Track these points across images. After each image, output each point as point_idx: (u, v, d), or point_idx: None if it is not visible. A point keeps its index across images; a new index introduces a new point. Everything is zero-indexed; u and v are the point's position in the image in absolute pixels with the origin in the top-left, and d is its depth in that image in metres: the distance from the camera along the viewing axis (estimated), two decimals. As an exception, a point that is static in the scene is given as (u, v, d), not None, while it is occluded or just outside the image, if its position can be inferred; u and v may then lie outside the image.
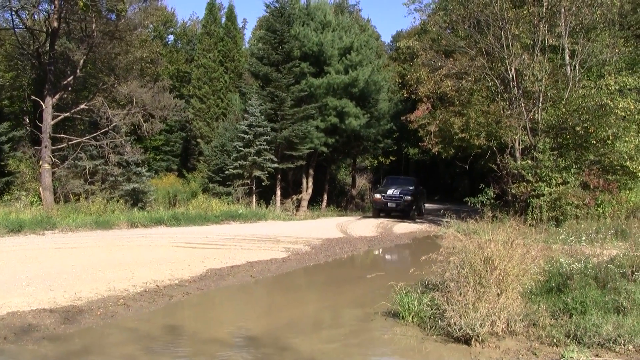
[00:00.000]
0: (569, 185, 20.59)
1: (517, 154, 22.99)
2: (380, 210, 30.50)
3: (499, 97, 24.46)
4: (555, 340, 6.95)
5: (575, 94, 21.91)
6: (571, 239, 13.46)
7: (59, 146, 23.65)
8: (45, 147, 22.37)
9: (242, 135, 28.21)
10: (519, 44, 23.71)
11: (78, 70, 24.10)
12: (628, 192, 21.66)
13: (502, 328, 7.20)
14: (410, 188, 30.98)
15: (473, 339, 6.98)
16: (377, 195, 30.56)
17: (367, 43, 34.80)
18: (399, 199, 29.56)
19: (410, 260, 17.35)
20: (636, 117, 21.14)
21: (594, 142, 21.05)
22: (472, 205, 22.44)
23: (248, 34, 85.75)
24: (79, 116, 25.29)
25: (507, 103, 23.86)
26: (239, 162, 28.38)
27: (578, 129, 20.99)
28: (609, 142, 20.78)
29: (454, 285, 7.75)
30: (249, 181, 28.99)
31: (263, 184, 29.21)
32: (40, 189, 22.37)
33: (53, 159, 22.88)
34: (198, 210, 24.05)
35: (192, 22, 57.76)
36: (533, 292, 8.65)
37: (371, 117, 33.23)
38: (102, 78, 27.01)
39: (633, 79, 22.13)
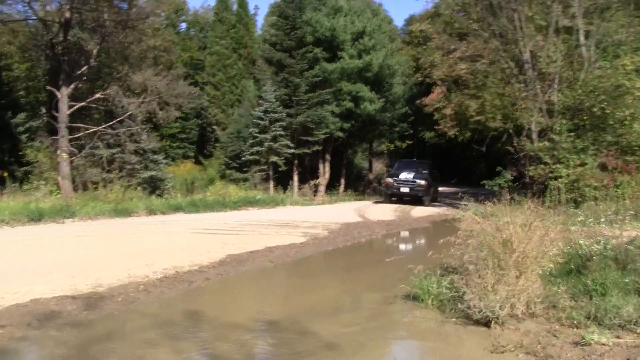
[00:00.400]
0: (587, 166, 20.47)
1: (534, 136, 22.87)
2: (392, 195, 28.60)
3: (514, 79, 24.29)
4: (575, 322, 6.93)
5: (591, 74, 21.74)
6: (590, 220, 13.40)
7: (75, 135, 23.77)
8: (62, 136, 22.49)
9: (258, 121, 28.28)
10: (532, 25, 23.52)
11: (92, 60, 24.17)
12: (647, 173, 21.49)
13: (522, 310, 7.20)
14: (424, 172, 29.12)
15: (493, 322, 6.98)
16: (389, 180, 28.75)
17: (379, 27, 34.71)
18: (412, 184, 27.72)
19: (429, 243, 17.35)
20: (653, 97, 20.97)
21: (611, 123, 20.90)
22: (489, 188, 22.38)
23: (260, 20, 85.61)
24: (94, 105, 25.38)
25: (523, 85, 23.69)
26: (255, 148, 28.47)
27: (595, 110, 20.83)
28: (627, 122, 20.62)
29: (472, 268, 7.74)
30: (265, 167, 29.09)
31: (280, 169, 29.30)
32: (59, 178, 22.51)
33: (70, 148, 23.01)
34: (216, 196, 24.13)
35: (204, 10, 58.02)
36: (552, 274, 8.63)
37: (386, 101, 33.18)
38: (116, 67, 27.09)
39: (649, 58, 21.94)
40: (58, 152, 22.74)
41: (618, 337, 6.47)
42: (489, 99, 25.80)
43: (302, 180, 31.75)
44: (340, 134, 31.69)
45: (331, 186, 33.99)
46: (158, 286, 9.03)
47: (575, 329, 6.81)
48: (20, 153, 24.98)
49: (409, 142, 48.84)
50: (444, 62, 30.63)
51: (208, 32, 47.74)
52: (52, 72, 26.10)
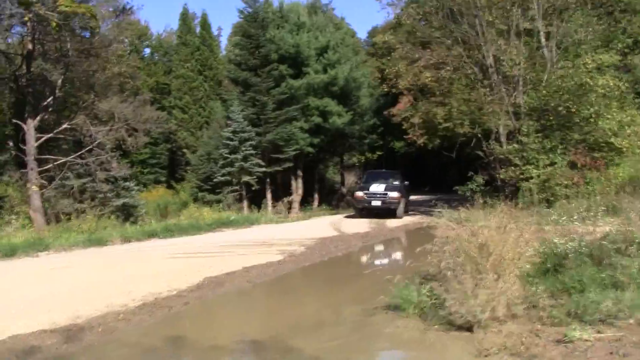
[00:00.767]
0: (556, 166, 20.71)
1: (503, 139, 23.11)
2: (363, 210, 26.74)
3: (479, 84, 24.55)
4: (556, 321, 6.97)
5: (554, 75, 22.05)
6: (563, 219, 13.52)
7: (45, 167, 23.50)
8: (32, 169, 22.25)
9: (227, 142, 28.25)
10: (494, 30, 23.82)
11: (57, 91, 23.96)
12: (615, 168, 21.76)
13: (503, 312, 7.23)
14: (396, 183, 27.67)
15: (475, 326, 7.00)
16: (359, 193, 27.01)
17: (343, 41, 34.95)
18: (384, 196, 26.07)
19: (406, 252, 17.43)
20: (616, 93, 21.31)
21: (577, 121, 21.19)
22: (462, 193, 22.47)
23: (224, 41, 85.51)
24: (62, 136, 25.13)
25: (488, 89, 23.95)
26: (226, 169, 28.42)
27: (560, 109, 21.12)
28: (592, 120, 20.92)
29: (451, 274, 7.75)
30: (238, 187, 29.03)
31: (253, 188, 29.25)
32: (30, 211, 22.23)
33: (40, 181, 22.75)
34: (190, 220, 23.98)
35: (167, 34, 57.78)
36: (530, 275, 8.67)
37: (354, 114, 33.29)
38: (81, 96, 26.86)
39: (609, 55, 22.40)
40: (28, 185, 22.48)
41: (599, 332, 6.53)
42: (455, 105, 26.03)
43: (276, 198, 31.70)
44: (310, 149, 31.73)
45: (305, 202, 33.97)
46: (137, 314, 8.94)
47: (557, 327, 6.84)
48: (-12, 189, 24.67)
49: (380, 153, 49.00)
50: (409, 71, 30.81)
51: (172, 56, 47.59)
52: (17, 105, 25.83)
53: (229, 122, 29.52)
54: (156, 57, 52.35)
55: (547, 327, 6.92)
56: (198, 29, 46.46)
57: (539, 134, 21.55)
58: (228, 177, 28.66)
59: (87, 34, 25.46)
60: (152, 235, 20.09)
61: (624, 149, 21.20)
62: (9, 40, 25.31)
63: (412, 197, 33.13)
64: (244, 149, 28.25)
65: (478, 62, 24.44)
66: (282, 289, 11.82)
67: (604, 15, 26.42)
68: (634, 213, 11.04)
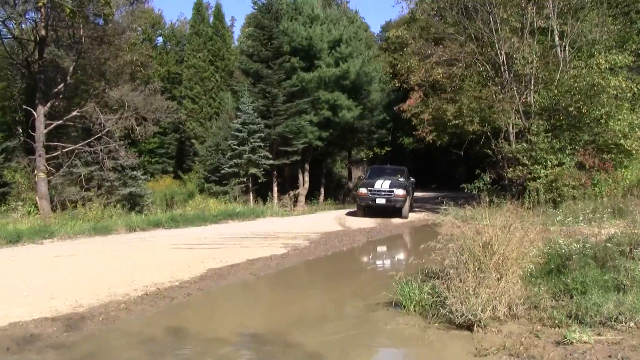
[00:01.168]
0: (564, 166, 20.64)
1: (512, 138, 23.04)
2: (367, 207, 24.86)
3: (491, 81, 24.48)
4: (557, 322, 6.97)
5: (567, 74, 21.96)
6: (569, 219, 13.49)
7: (53, 154, 23.57)
8: (40, 156, 22.32)
9: (236, 133, 28.25)
10: (507, 27, 23.73)
11: (68, 77, 24.02)
12: (624, 170, 21.71)
13: (504, 312, 7.22)
14: (401, 180, 25.76)
15: (475, 325, 6.99)
16: (363, 190, 24.77)
17: (356, 35, 34.89)
18: (389, 194, 23.98)
19: (410, 249, 17.39)
20: (628, 94, 21.21)
21: (588, 122, 21.12)
22: (469, 191, 22.41)
23: (237, 32, 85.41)
24: (71, 123, 25.21)
25: (499, 87, 23.89)
26: (234, 160, 28.42)
27: (571, 109, 21.04)
28: (603, 121, 20.84)
29: (453, 272, 7.75)
30: (245, 179, 29.03)
31: (259, 181, 29.25)
32: (37, 198, 22.32)
33: (48, 168, 22.82)
34: (196, 210, 24.02)
35: (180, 23, 57.83)
36: (533, 275, 8.66)
37: (364, 109, 33.25)
38: (92, 84, 26.92)
39: (623, 56, 22.20)
40: (35, 171, 22.56)
41: (599, 334, 6.52)
42: (466, 103, 25.93)
43: (282, 191, 31.73)
44: (319, 143, 31.72)
45: (311, 196, 33.99)
46: (139, 304, 8.95)
47: (557, 329, 6.84)
48: (-4, 174, 24.78)
49: (388, 149, 48.94)
50: (421, 67, 30.71)
51: (185, 46, 47.62)
52: (28, 91, 25.95)
53: (238, 113, 29.52)
54: (168, 46, 52.41)
55: (547, 328, 6.92)
56: (211, 19, 46.51)
57: (549, 134, 21.48)
58: (235, 169, 28.68)
59: (101, 21, 25.56)
60: (157, 225, 20.12)
61: (634, 151, 21.10)
62: (23, 26, 25.40)
63: (419, 194, 33.01)
64: (252, 140, 28.25)
65: (490, 60, 24.36)
66: (285, 282, 11.82)
67: (620, 15, 26.24)
68: (640, 216, 11.01)
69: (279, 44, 30.24)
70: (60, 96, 24.56)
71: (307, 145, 31.07)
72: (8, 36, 24.93)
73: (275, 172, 30.78)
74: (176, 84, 45.84)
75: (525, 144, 21.91)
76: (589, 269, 8.28)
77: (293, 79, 30.31)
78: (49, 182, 22.84)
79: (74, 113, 24.45)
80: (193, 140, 40.04)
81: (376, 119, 35.81)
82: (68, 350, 6.82)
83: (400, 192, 24.00)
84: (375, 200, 24.11)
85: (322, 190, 35.17)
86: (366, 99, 33.95)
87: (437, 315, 7.53)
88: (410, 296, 8.17)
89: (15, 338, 7.08)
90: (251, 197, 29.15)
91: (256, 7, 31.72)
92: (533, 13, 23.36)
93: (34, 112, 22.77)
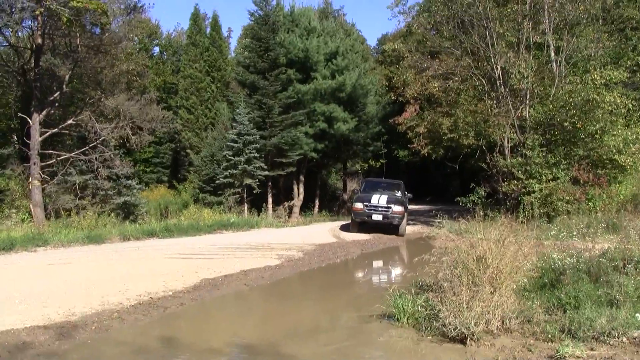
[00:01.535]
0: (559, 181, 20.68)
1: (507, 152, 23.08)
2: (362, 224, 23.44)
3: (486, 95, 24.54)
4: (550, 336, 6.99)
5: (562, 89, 22.03)
6: (563, 234, 13.56)
7: (47, 162, 23.53)
8: (34, 163, 22.26)
9: (232, 144, 28.22)
10: (503, 42, 23.82)
11: (64, 86, 24.00)
12: (618, 185, 21.76)
13: (497, 326, 7.24)
14: (398, 195, 24.09)
15: (468, 338, 7.00)
16: (358, 205, 22.95)
17: (352, 47, 34.95)
18: (386, 210, 22.36)
19: (404, 262, 17.41)
20: (623, 110, 21.30)
21: (583, 137, 21.18)
22: (463, 205, 22.43)
23: (234, 42, 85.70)
24: (67, 131, 25.19)
25: (495, 101, 23.95)
26: (229, 171, 28.39)
27: (566, 124, 21.11)
28: (597, 136, 20.91)
29: (447, 285, 7.78)
30: (240, 190, 28.99)
31: (254, 191, 29.21)
32: (31, 205, 22.24)
33: (42, 176, 22.76)
34: (190, 220, 23.98)
35: (177, 33, 57.88)
36: (526, 289, 8.69)
37: (359, 121, 33.25)
38: (88, 92, 26.88)
39: (618, 72, 22.30)
40: (30, 179, 22.49)
41: (592, 349, 6.54)
42: (461, 116, 26.00)
43: (277, 202, 31.70)
44: (314, 154, 31.73)
45: (305, 207, 33.96)
46: (132, 313, 8.94)
47: (550, 343, 6.87)
48: (-10, 181, 24.70)
49: (383, 161, 49.00)
50: (417, 80, 30.80)
51: (181, 56, 47.58)
52: (24, 99, 25.91)
53: (234, 124, 29.51)
54: (165, 56, 52.41)
55: (540, 343, 6.94)
56: (208, 30, 46.53)
57: (544, 149, 21.53)
58: (230, 180, 28.65)
59: (98, 31, 25.53)
60: (151, 234, 20.08)
61: (628, 167, 21.17)
62: (19, 34, 25.40)
63: (414, 207, 32.94)
64: (247, 151, 28.23)
65: (486, 74, 24.43)
66: (279, 293, 11.80)
67: (615, 31, 26.40)
68: (633, 231, 11.04)
69: (275, 55, 30.27)
70: (56, 104, 24.53)
71: (302, 156, 31.08)
72: (4, 44, 24.96)
73: (270, 183, 30.76)
74: (172, 94, 45.83)
75: (520, 158, 21.95)
76: (582, 284, 8.31)
77: (289, 91, 30.33)
78: (43, 190, 22.78)
79: (70, 121, 24.42)
80: (188, 150, 39.97)
81: (372, 131, 35.80)
82: (60, 359, 6.81)
83: (398, 208, 22.41)
84: (371, 216, 22.45)
85: (317, 201, 35.15)
86: (362, 112, 33.97)
87: (430, 328, 7.55)
88: (403, 309, 8.19)
89: (7, 346, 7.07)
90: (246, 207, 29.11)
91: (253, 19, 31.74)
92: (529, 28, 23.47)
93: (29, 120, 22.72)
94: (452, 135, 28.53)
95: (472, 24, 23.75)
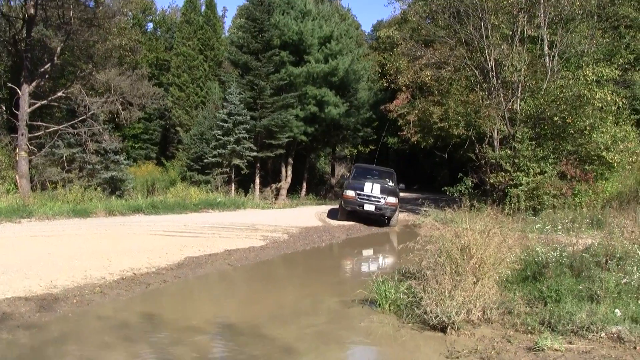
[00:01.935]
0: (546, 175, 20.73)
1: (496, 144, 23.12)
2: (351, 213, 21.61)
3: (478, 87, 24.53)
4: (529, 328, 7.03)
5: (554, 84, 22.03)
6: (548, 228, 13.62)
7: (36, 134, 23.42)
8: (22, 134, 22.13)
9: (222, 123, 28.16)
10: (498, 34, 23.79)
11: (55, 58, 23.84)
12: (604, 182, 21.83)
13: (478, 316, 7.28)
14: (391, 185, 22.43)
15: (449, 327, 7.04)
16: (350, 193, 21.16)
17: (347, 32, 34.85)
18: (379, 200, 20.69)
19: (389, 248, 17.45)
20: (613, 108, 21.33)
21: (572, 132, 21.22)
22: (450, 194, 22.43)
23: (228, 22, 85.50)
24: (56, 104, 25.05)
25: (486, 93, 23.94)
26: (218, 150, 28.36)
27: (556, 119, 21.14)
28: (586, 132, 20.94)
29: (430, 274, 7.81)
30: (227, 170, 28.97)
31: (242, 172, 29.20)
32: (17, 176, 22.14)
33: (30, 147, 22.65)
34: (176, 198, 23.89)
35: (171, 10, 57.56)
36: (509, 281, 8.73)
37: (350, 106, 33.27)
38: (80, 66, 26.71)
39: (610, 69, 22.32)
40: (17, 150, 22.37)
41: (570, 343, 6.57)
42: (452, 106, 26.02)
43: (264, 184, 31.70)
44: (303, 137, 31.71)
45: (293, 190, 34.00)
46: (114, 288, 8.93)
47: (529, 335, 6.90)
48: (-23, 152, 24.56)
49: (372, 148, 49.01)
50: (410, 68, 30.81)
51: (175, 33, 47.32)
52: (14, 69, 25.71)
53: (225, 104, 29.43)
54: (158, 33, 52.10)
55: (519, 334, 6.97)
56: (203, 8, 46.28)
57: (533, 142, 21.56)
58: (219, 159, 28.60)
59: (92, 3, 25.41)
60: (137, 210, 20.02)
61: (615, 164, 21.24)
62: (12, 3, 25.20)
63: (401, 195, 32.91)
64: (237, 132, 28.17)
65: (479, 65, 24.40)
66: (263, 274, 11.82)
67: (609, 29, 26.43)
68: (617, 228, 11.10)
69: (269, 37, 30.17)
70: (46, 76, 24.38)
71: (291, 139, 31.06)
72: (-4, 14, 24.74)
73: (258, 165, 30.72)
74: (164, 71, 45.64)
75: (508, 151, 21.99)
76: (564, 278, 8.35)
77: (281, 73, 30.27)
78: (30, 161, 22.69)
79: (59, 94, 24.29)
80: (178, 128, 39.89)
81: (362, 117, 35.78)
82: (40, 331, 6.81)
83: (392, 200, 21.01)
84: (363, 206, 20.80)
85: (304, 185, 35.19)
86: (353, 97, 33.97)
87: (411, 316, 7.59)
88: (386, 295, 8.23)
89: (-13, 316, 7.04)
90: (233, 187, 29.08)
91: (249, -1, 31.66)
92: (524, 21, 23.44)
93: (18, 91, 22.57)
94: (442, 125, 28.57)
95: (468, 14, 23.71)
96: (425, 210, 14.12)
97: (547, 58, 23.53)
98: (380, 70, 43.66)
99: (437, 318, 7.05)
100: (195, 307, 8.89)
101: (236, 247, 13.59)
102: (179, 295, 9.48)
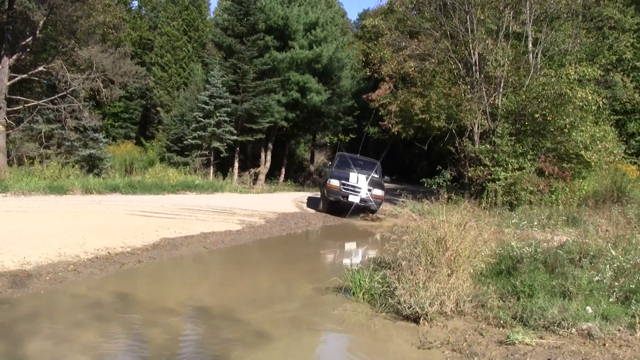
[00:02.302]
0: (524, 171, 20.86)
1: (476, 138, 23.19)
2: (333, 204, 20.50)
3: (461, 80, 24.58)
4: (502, 322, 7.09)
5: (536, 81, 22.16)
6: (523, 223, 13.69)
7: (14, 108, 23.21)
8: (0, 108, 21.93)
9: (203, 105, 28.07)
10: (483, 28, 23.83)
11: (37, 31, 23.61)
12: (581, 180, 21.98)
13: (451, 308, 7.32)
14: (376, 177, 21.06)
15: (422, 318, 7.07)
16: (334, 182, 19.94)
17: (332, 20, 34.79)
18: (364, 192, 19.71)
19: (365, 237, 17.46)
20: (593, 107, 21.47)
21: (552, 130, 21.33)
22: (428, 186, 22.47)
23: (214, 3, 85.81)
24: (36, 78, 24.85)
25: (469, 87, 24.00)
26: (198, 132, 28.27)
27: (537, 116, 21.25)
28: (566, 130, 21.07)
29: (405, 264, 7.83)
30: (207, 152, 28.90)
31: (221, 155, 29.14)
32: (-7, 150, 21.98)
33: (8, 121, 22.46)
34: (154, 179, 23.78)
35: (157, -11, 56.98)
36: (483, 274, 8.78)
37: (333, 94, 33.29)
38: (62, 41, 26.43)
39: (592, 69, 22.47)
40: (-5, 124, 22.20)
41: (541, 337, 6.63)
42: (434, 98, 26.03)
43: (243, 168, 31.68)
44: (284, 123, 31.69)
45: (271, 175, 34.02)
46: (88, 266, 8.87)
47: (501, 329, 6.96)
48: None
49: (353, 136, 49.02)
50: (394, 58, 30.85)
51: (160, 12, 46.97)
52: (-6, 42, 25.46)
53: (207, 86, 29.33)
54: (143, 11, 51.71)
55: (491, 327, 7.03)
56: (189, -12, 46.00)
57: (512, 138, 21.68)
58: (198, 141, 28.52)
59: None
60: (114, 189, 19.92)
61: (593, 163, 21.40)
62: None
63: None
64: (218, 114, 28.09)
65: (463, 59, 24.45)
66: (238, 258, 11.79)
67: (593, 29, 26.56)
68: (592, 226, 11.19)
69: (254, 20, 30.06)
70: (28, 50, 24.15)
71: (272, 124, 31.05)
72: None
73: (238, 148, 30.67)
74: (147, 50, 45.33)
75: (488, 145, 22.09)
76: (538, 274, 8.42)
77: (265, 57, 30.20)
78: (7, 135, 22.50)
79: (40, 68, 24.09)
80: (159, 108, 39.67)
81: (344, 105, 35.82)
82: (11, 307, 6.75)
83: (379, 192, 20.04)
84: (347, 197, 19.69)
85: (283, 170, 35.22)
86: (336, 85, 34.00)
87: (385, 305, 7.62)
88: (360, 283, 8.25)
89: (-42, 291, 6.98)
90: (211, 170, 29.02)
91: (235, -19, 31.48)
92: (510, 17, 23.50)
93: (-2, 63, 22.36)
94: (423, 117, 28.59)
95: (454, 7, 23.72)
96: (402, 201, 14.18)
97: (531, 55, 23.64)
98: (364, 59, 43.65)
99: (411, 308, 7.08)
100: (170, 288, 8.85)
101: (212, 230, 13.56)
102: (154, 276, 9.43)
